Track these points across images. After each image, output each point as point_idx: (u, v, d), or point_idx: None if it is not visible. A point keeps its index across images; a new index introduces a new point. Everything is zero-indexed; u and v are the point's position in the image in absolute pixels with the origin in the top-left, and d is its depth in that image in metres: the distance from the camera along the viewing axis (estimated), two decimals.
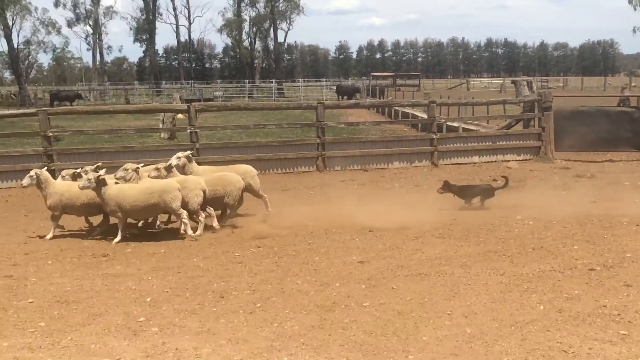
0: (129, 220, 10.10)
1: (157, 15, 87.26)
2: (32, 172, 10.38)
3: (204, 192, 10.17)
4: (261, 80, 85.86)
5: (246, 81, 75.40)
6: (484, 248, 8.98)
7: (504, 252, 8.75)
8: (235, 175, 10.87)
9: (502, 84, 72.93)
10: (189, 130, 16.53)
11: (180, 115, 24.80)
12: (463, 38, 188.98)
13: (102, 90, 74.50)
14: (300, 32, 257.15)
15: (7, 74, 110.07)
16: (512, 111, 24.10)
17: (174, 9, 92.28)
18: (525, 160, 17.90)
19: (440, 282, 7.46)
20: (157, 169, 10.70)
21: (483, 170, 16.45)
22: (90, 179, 9.74)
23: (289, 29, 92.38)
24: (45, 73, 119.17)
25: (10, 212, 12.47)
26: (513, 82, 28.73)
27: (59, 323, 6.33)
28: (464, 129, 20.65)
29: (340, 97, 55.94)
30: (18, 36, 78.11)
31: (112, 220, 10.26)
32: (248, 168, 11.83)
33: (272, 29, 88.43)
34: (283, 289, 7.30)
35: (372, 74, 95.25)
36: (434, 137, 17.65)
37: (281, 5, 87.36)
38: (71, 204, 10.19)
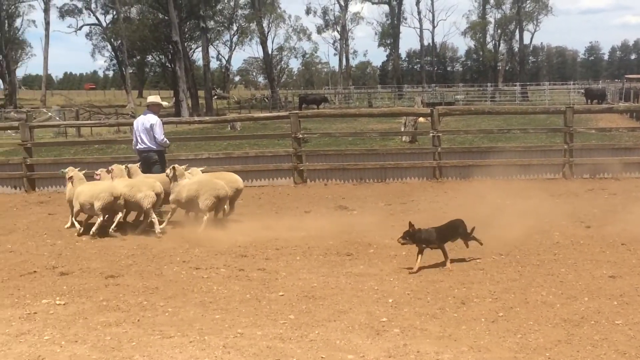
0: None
1: (401, 20, 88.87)
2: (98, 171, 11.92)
3: (158, 194, 10.92)
4: (504, 83, 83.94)
5: (488, 84, 74.16)
6: None
7: None
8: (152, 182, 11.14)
9: None
10: (431, 134, 16.57)
11: (421, 119, 24.97)
12: None
13: (347, 93, 77.22)
14: (547, 33, 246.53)
15: (260, 79, 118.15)
16: None
17: (419, 13, 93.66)
18: None
19: None
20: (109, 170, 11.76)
21: None
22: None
23: (535, 30, 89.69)
24: (294, 77, 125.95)
25: (262, 209, 13.30)
26: None
27: (306, 317, 6.64)
28: None
29: (589, 101, 53.16)
30: (272, 43, 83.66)
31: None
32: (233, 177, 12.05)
33: (517, 31, 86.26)
34: (527, 299, 7.07)
35: (626, 76, 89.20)
36: None
37: (528, 6, 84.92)
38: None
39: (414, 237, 8.37)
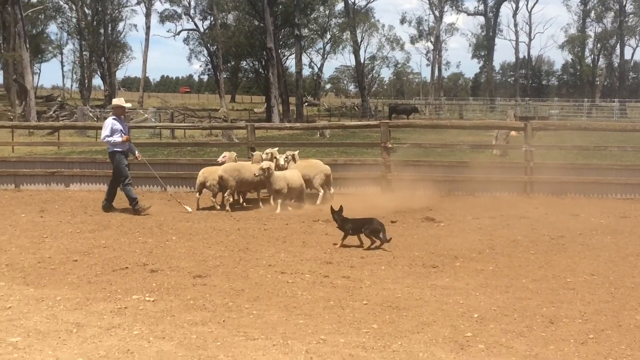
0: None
1: (497, 31, 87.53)
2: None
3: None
4: (602, 99, 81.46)
5: (585, 99, 72.11)
6: None
7: None
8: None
9: None
10: (524, 149, 16.20)
11: (513, 133, 24.47)
12: None
13: (438, 104, 76.56)
14: None
15: (351, 87, 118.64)
16: None
17: (515, 25, 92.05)
18: None
19: None
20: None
21: None
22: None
23: (637, 45, 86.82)
24: (385, 87, 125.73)
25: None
26: None
27: (389, 327, 6.58)
28: None
29: None
30: (365, 52, 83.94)
31: None
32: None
33: (618, 45, 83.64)
34: (619, 322, 6.81)
35: None
36: None
37: (631, 20, 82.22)
38: None
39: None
